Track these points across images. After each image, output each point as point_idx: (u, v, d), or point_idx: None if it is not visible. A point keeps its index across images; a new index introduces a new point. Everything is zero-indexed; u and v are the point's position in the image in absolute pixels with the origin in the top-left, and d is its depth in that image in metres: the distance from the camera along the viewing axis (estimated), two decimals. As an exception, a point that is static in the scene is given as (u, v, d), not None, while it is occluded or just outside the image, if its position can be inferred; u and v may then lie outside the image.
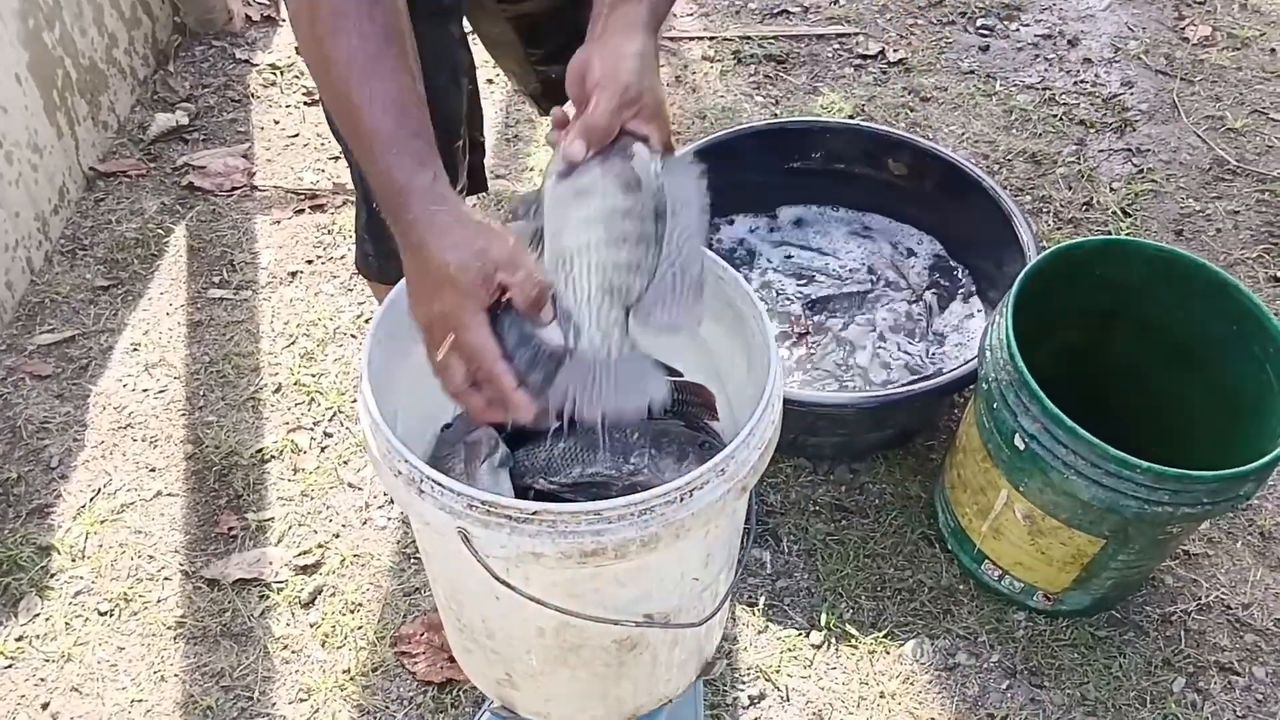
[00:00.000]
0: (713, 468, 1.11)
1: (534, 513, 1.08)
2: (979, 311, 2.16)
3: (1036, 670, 1.79)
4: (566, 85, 1.15)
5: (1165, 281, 1.77)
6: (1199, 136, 2.69)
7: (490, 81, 2.82)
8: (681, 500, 1.10)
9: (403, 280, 1.16)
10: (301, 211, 2.54)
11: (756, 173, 2.23)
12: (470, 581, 1.21)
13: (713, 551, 1.24)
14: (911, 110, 2.77)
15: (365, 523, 2.00)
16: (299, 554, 1.96)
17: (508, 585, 1.13)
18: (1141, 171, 2.60)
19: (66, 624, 1.88)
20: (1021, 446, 1.61)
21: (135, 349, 2.28)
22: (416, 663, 1.81)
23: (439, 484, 1.10)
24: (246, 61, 2.93)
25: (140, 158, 2.66)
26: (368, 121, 1.10)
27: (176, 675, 1.82)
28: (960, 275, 2.20)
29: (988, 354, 1.68)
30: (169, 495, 2.05)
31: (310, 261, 2.43)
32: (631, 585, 1.18)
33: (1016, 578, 1.80)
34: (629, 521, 1.08)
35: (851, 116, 2.71)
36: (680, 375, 1.40)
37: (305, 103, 2.82)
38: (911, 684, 1.78)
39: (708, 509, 1.12)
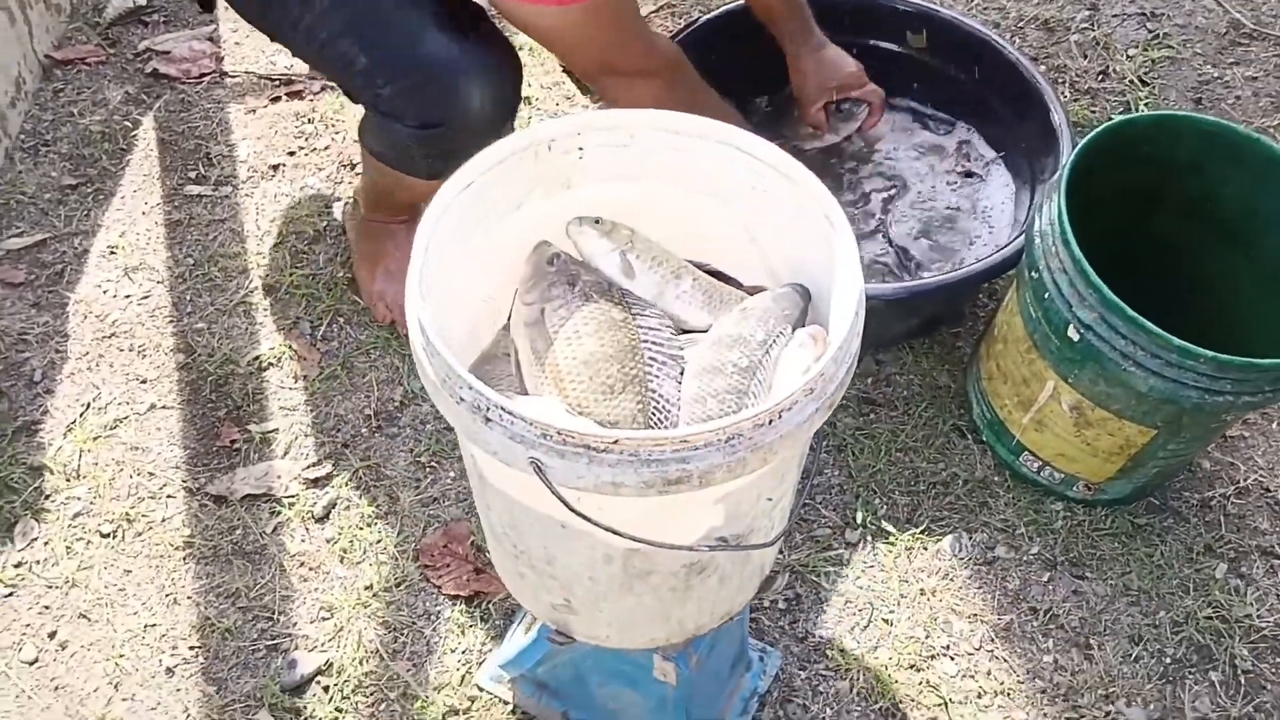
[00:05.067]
0: (802, 388, 1.03)
1: (614, 441, 1.00)
2: (1006, 190, 2.08)
3: (1077, 561, 1.76)
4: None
5: (1213, 157, 1.69)
6: (1212, -2, 2.59)
7: None
8: (770, 423, 1.02)
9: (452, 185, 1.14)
10: (278, 99, 2.38)
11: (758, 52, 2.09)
12: (533, 510, 1.13)
13: (788, 469, 1.17)
14: (917, -25, 2.63)
15: (376, 430, 1.91)
16: (308, 466, 1.87)
17: (584, 517, 1.05)
18: (1157, 37, 2.49)
19: (68, 548, 1.79)
20: (1075, 338, 1.54)
21: (112, 252, 2.14)
22: (442, 576, 1.75)
23: (509, 412, 1.01)
24: (203, -66, 2.72)
25: (99, 43, 2.48)
26: None
27: (189, 597, 1.74)
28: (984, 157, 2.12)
29: (1036, 240, 1.60)
30: (164, 408, 1.94)
31: (292, 154, 2.29)
32: (710, 511, 1.11)
33: (1057, 469, 1.75)
34: (716, 448, 1.01)
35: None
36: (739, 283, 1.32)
37: (270, -21, 2.63)
38: (951, 580, 1.75)
39: (796, 430, 1.04)
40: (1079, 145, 1.60)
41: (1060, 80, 2.40)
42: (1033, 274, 1.60)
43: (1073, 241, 1.51)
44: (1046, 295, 1.57)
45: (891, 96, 2.10)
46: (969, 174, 2.07)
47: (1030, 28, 2.51)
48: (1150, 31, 2.51)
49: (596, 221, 1.27)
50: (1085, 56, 2.45)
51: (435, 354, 1.06)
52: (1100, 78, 2.41)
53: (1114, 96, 2.37)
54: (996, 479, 1.84)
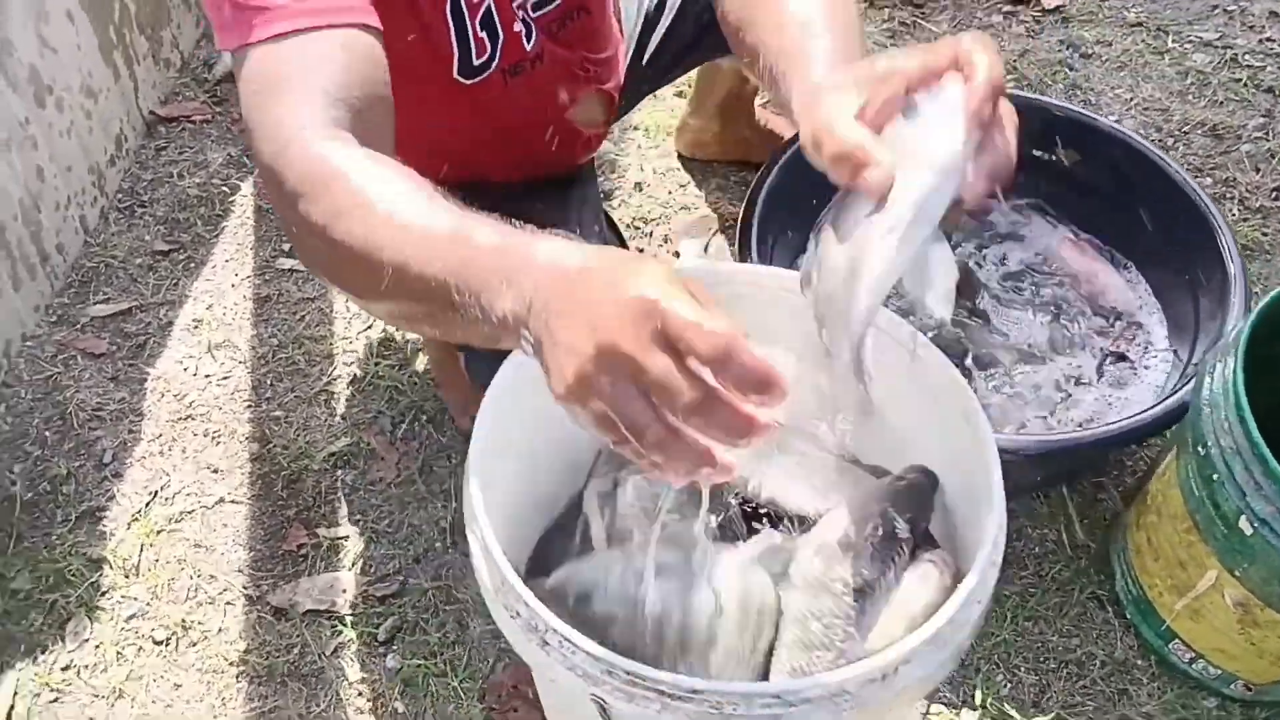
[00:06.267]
0: (926, 640, 0.85)
1: (694, 690, 0.83)
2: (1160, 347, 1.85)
3: (1229, 772, 1.53)
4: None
5: None
6: (1405, 108, 2.33)
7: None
8: (884, 678, 0.85)
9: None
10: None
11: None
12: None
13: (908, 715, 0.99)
14: (1071, 69, 2.42)
15: (450, 545, 1.76)
16: (376, 581, 1.73)
17: (653, 768, 0.88)
18: (1342, 150, 2.25)
19: (119, 653, 1.67)
20: (1248, 530, 1.33)
21: (197, 326, 2.05)
22: (508, 722, 1.59)
23: (570, 641, 0.85)
24: (323, -9, 2.64)
25: (205, 100, 2.41)
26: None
27: (238, 721, 1.62)
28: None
29: (1205, 410, 1.39)
30: (233, 502, 1.83)
31: (391, 230, 2.17)
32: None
33: (1213, 664, 1.53)
34: (818, 705, 0.83)
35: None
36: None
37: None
38: (1080, 780, 1.54)
39: (917, 686, 0.86)
40: (1263, 301, 1.39)
41: (1229, 195, 2.17)
42: (1198, 448, 1.39)
43: (1250, 420, 1.29)
44: (1215, 476, 1.36)
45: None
46: (1122, 358, 1.84)
47: (1196, 134, 2.28)
48: (1335, 143, 2.26)
49: None
50: (1258, 170, 2.22)
51: (488, 554, 0.90)
52: (1274, 195, 2.17)
53: (1290, 218, 2.14)
54: (1140, 663, 1.62)
